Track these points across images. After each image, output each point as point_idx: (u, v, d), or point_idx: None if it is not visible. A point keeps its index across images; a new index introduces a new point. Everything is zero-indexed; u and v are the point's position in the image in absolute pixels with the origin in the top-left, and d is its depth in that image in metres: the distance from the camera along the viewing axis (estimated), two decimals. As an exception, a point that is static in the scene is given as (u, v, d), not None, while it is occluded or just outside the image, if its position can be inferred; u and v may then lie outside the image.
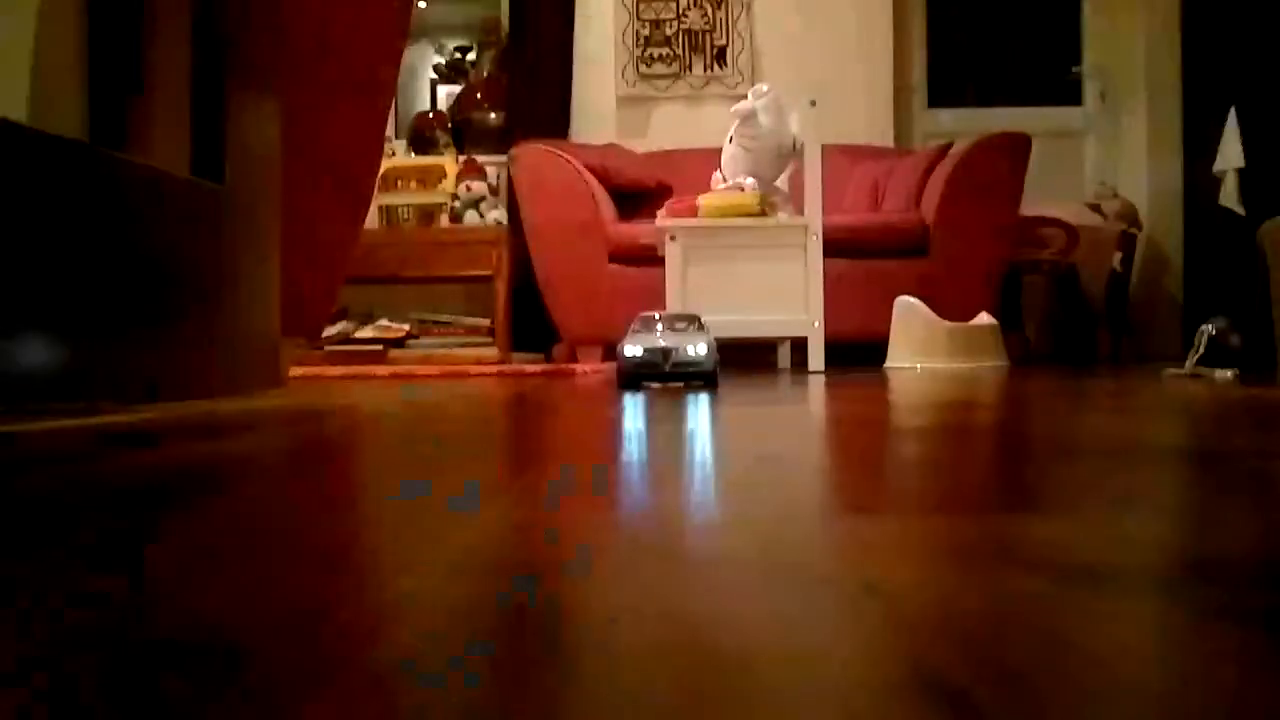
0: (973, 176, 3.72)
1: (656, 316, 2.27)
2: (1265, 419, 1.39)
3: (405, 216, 4.27)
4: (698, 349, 2.11)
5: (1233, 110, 3.94)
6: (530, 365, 3.85)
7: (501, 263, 4.05)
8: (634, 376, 2.14)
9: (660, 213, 3.33)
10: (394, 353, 4.04)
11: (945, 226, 3.74)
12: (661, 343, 2.12)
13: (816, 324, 3.22)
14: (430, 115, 4.70)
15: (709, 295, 3.14)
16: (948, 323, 3.41)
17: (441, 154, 4.46)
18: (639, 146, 4.40)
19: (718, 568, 0.46)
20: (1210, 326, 2.61)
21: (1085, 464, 0.88)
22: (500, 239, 4.08)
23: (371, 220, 3.96)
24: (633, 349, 2.13)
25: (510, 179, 4.08)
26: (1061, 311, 4.14)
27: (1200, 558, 0.49)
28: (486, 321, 4.16)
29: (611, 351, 2.50)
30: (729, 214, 3.22)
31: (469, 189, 4.23)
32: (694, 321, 2.24)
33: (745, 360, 4.47)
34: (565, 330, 4.00)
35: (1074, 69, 4.70)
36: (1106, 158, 4.66)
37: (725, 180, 3.36)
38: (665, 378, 2.14)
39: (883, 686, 0.30)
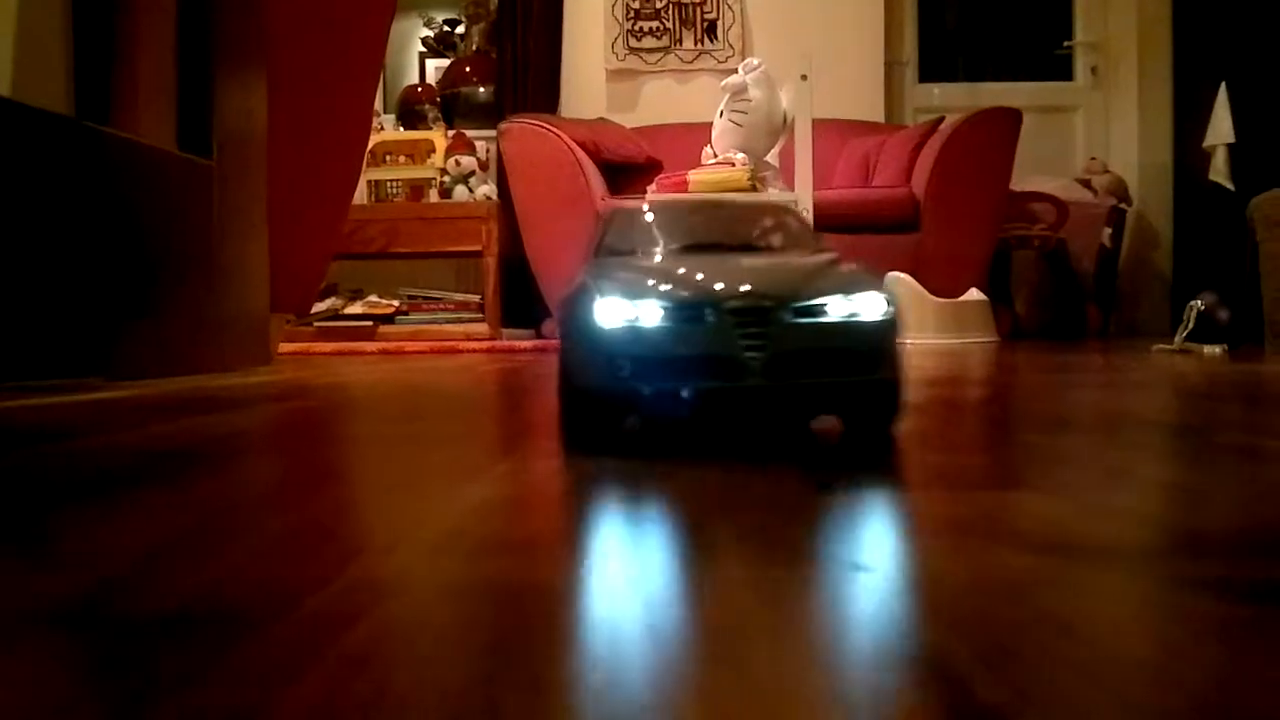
0: (963, 152, 3.71)
1: (678, 205, 1.08)
2: (1252, 394, 1.39)
3: (394, 191, 4.25)
4: (858, 302, 0.77)
5: (1223, 85, 3.93)
6: (520, 341, 3.84)
7: (491, 238, 4.04)
8: (612, 403, 0.78)
9: (650, 188, 3.32)
10: (383, 328, 4.03)
11: (936, 202, 3.73)
12: (742, 285, 0.77)
13: (807, 299, 3.20)
14: (419, 89, 4.67)
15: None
16: (937, 298, 3.41)
17: (430, 128, 4.43)
18: (629, 121, 4.38)
19: (708, 546, 0.46)
20: (1199, 302, 2.62)
21: (1074, 439, 0.88)
22: (490, 214, 4.06)
23: (360, 195, 3.94)
24: (626, 310, 0.76)
25: (500, 154, 4.06)
26: (1051, 287, 4.14)
27: (1188, 532, 0.49)
28: (476, 297, 4.15)
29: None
30: (719, 189, 3.21)
31: (458, 164, 4.21)
32: (787, 221, 0.98)
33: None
34: (554, 306, 4.00)
35: (1065, 43, 4.69)
36: (1097, 133, 4.66)
37: (715, 155, 3.35)
38: (751, 398, 0.75)
39: (874, 661, 0.30)
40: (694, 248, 0.91)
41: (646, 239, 0.94)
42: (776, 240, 0.97)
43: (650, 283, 0.78)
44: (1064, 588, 0.39)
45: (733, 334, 0.74)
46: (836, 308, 0.76)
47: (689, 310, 0.75)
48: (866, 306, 0.77)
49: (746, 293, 0.75)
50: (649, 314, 0.75)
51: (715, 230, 0.98)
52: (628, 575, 0.41)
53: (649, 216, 0.99)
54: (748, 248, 0.95)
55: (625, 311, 0.75)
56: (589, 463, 0.72)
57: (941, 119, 3.92)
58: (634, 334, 0.75)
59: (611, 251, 0.92)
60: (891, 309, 0.77)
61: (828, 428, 0.87)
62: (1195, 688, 0.28)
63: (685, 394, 0.75)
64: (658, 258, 0.89)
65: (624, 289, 0.77)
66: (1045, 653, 0.31)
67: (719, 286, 0.77)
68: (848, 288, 0.77)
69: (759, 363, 0.73)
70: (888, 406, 0.80)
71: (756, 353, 0.73)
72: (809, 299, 0.76)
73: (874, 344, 0.76)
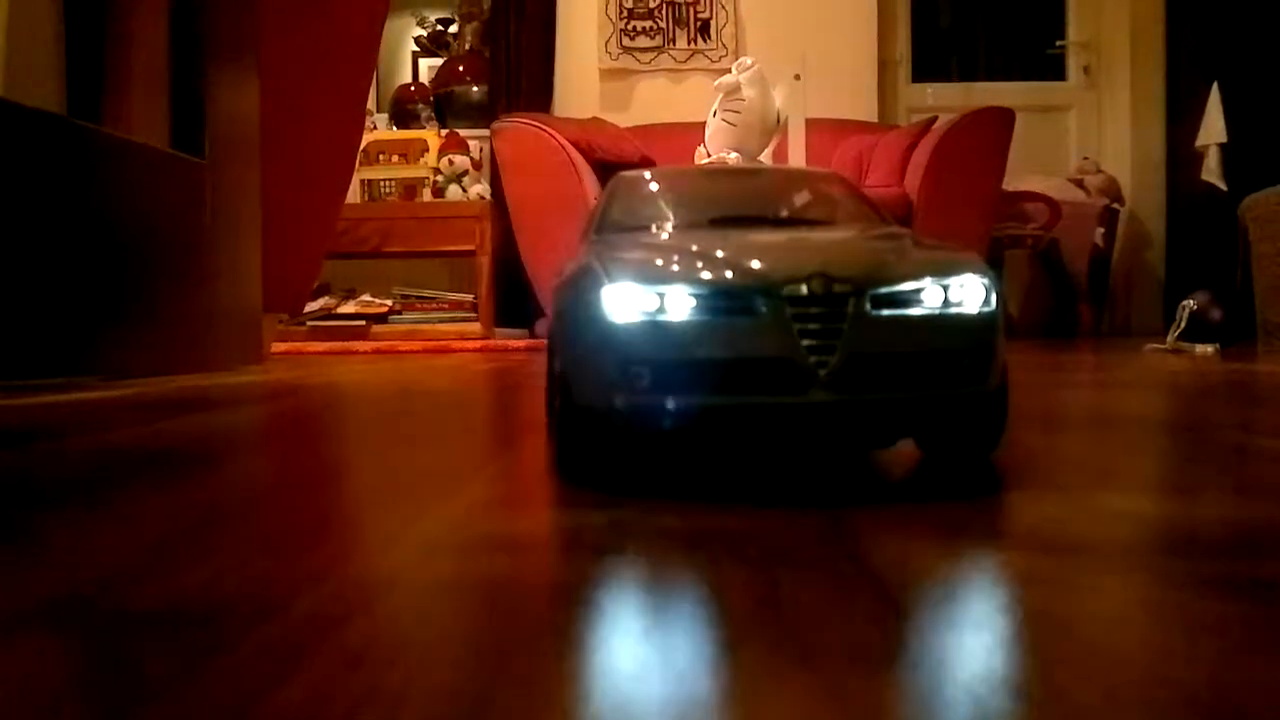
0: (956, 151, 3.71)
1: (705, 173, 1.05)
2: (1245, 393, 1.40)
3: (387, 191, 4.24)
4: (957, 289, 0.60)
5: (1216, 85, 3.94)
6: (514, 341, 3.84)
7: (484, 237, 4.04)
8: (624, 426, 0.59)
9: (644, 187, 3.31)
10: (377, 328, 4.02)
11: (929, 201, 3.73)
12: (804, 266, 0.58)
13: (800, 299, 3.20)
14: (412, 88, 4.66)
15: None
16: (931, 297, 3.41)
17: (423, 127, 4.43)
18: (622, 120, 4.38)
19: (702, 544, 0.46)
20: (1191, 301, 2.62)
21: (1068, 438, 0.88)
22: (483, 213, 4.06)
23: (353, 195, 3.93)
24: (644, 299, 0.58)
25: (493, 153, 4.06)
26: (1044, 286, 4.15)
27: (1182, 530, 0.49)
28: (470, 297, 4.14)
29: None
30: (713, 188, 3.20)
31: (451, 163, 4.20)
32: (834, 191, 0.83)
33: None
34: (548, 305, 3.99)
35: (1058, 43, 4.69)
36: (1090, 132, 4.66)
37: (709, 154, 3.35)
38: (815, 417, 0.58)
39: (871, 658, 0.30)
40: (724, 221, 0.73)
41: (662, 211, 0.78)
42: (825, 213, 0.79)
43: (676, 263, 0.60)
44: (1060, 586, 0.39)
45: (791, 330, 0.56)
46: (931, 296, 0.58)
47: (732, 298, 0.57)
48: (967, 294, 0.59)
49: (811, 275, 0.56)
50: (676, 304, 0.57)
51: (748, 200, 0.80)
52: (621, 570, 0.41)
53: (664, 184, 0.83)
54: (794, 221, 0.79)
55: (643, 301, 0.57)
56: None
57: (935, 119, 3.93)
58: (655, 331, 0.57)
59: (618, 227, 0.75)
60: (995, 298, 0.60)
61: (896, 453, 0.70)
62: (1189, 685, 0.28)
63: (724, 412, 0.57)
64: (680, 233, 0.72)
65: (640, 271, 0.59)
66: (1042, 651, 0.31)
67: (771, 267, 0.58)
68: (942, 269, 0.59)
69: (827, 369, 0.55)
70: (991, 427, 0.63)
71: (824, 355, 0.56)
72: (894, 284, 0.58)
73: (978, 344, 0.59)
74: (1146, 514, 0.54)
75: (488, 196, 4.16)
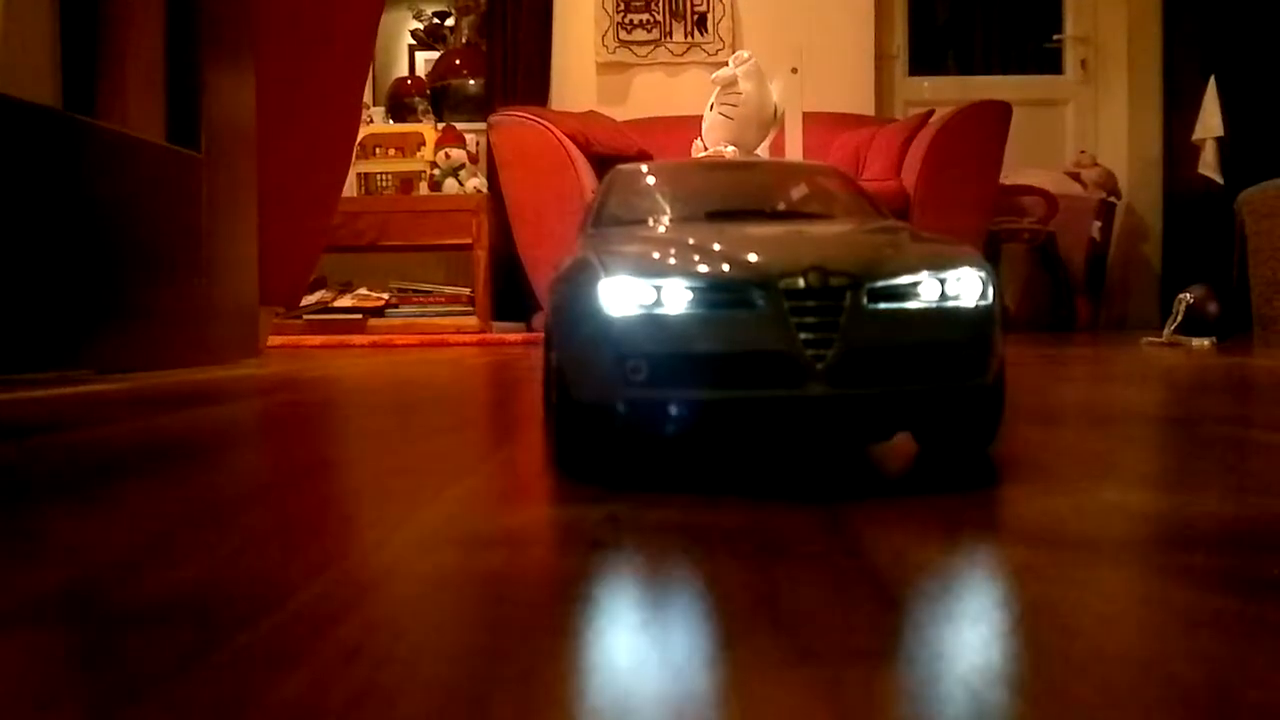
0: (953, 145, 3.71)
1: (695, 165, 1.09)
2: (1241, 387, 1.40)
3: (384, 184, 4.24)
4: (954, 282, 0.60)
5: (1212, 79, 3.94)
6: (510, 334, 3.84)
7: (481, 231, 4.03)
8: (621, 420, 0.59)
9: (641, 181, 3.30)
10: (373, 321, 4.02)
11: (926, 195, 3.73)
12: (801, 259, 0.58)
13: (797, 292, 3.19)
14: (409, 81, 4.65)
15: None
16: (928, 291, 3.41)
17: (420, 121, 4.42)
18: (619, 114, 4.38)
19: (699, 539, 0.46)
20: (1188, 295, 2.62)
21: (1066, 432, 0.88)
22: (480, 207, 4.05)
23: (350, 188, 3.93)
24: (641, 292, 0.57)
25: (489, 146, 4.05)
26: (1040, 280, 4.15)
27: (1178, 525, 0.49)
28: (467, 290, 4.14)
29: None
30: (710, 182, 3.20)
31: (448, 156, 4.20)
32: (832, 184, 0.84)
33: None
34: (545, 299, 3.98)
35: (1055, 37, 4.69)
36: (1086, 126, 4.66)
37: (706, 148, 3.35)
38: (812, 411, 0.57)
39: (869, 653, 0.30)
40: (721, 214, 0.73)
41: (659, 204, 0.78)
42: (822, 207, 0.79)
43: (673, 256, 0.60)
44: (1057, 581, 0.39)
45: (789, 324, 0.55)
46: (928, 289, 0.58)
47: (729, 291, 0.56)
48: (964, 288, 0.58)
49: (809, 269, 0.56)
50: (673, 297, 0.56)
51: (745, 194, 0.81)
52: (615, 566, 0.41)
53: (661, 177, 0.83)
54: (790, 214, 0.79)
55: (640, 294, 0.56)
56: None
57: (931, 112, 3.93)
58: (652, 325, 0.56)
59: (615, 221, 0.75)
60: (992, 291, 0.60)
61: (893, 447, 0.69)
62: (1185, 680, 0.28)
63: (721, 406, 0.56)
64: (677, 226, 0.72)
65: (637, 264, 0.58)
66: (1040, 647, 0.31)
67: (769, 260, 0.57)
68: (939, 263, 0.59)
69: (825, 363, 0.55)
70: (987, 421, 0.63)
71: (821, 349, 0.55)
72: (891, 277, 0.57)
73: (975, 338, 0.59)
74: (1144, 508, 0.54)
75: (484, 190, 4.16)
